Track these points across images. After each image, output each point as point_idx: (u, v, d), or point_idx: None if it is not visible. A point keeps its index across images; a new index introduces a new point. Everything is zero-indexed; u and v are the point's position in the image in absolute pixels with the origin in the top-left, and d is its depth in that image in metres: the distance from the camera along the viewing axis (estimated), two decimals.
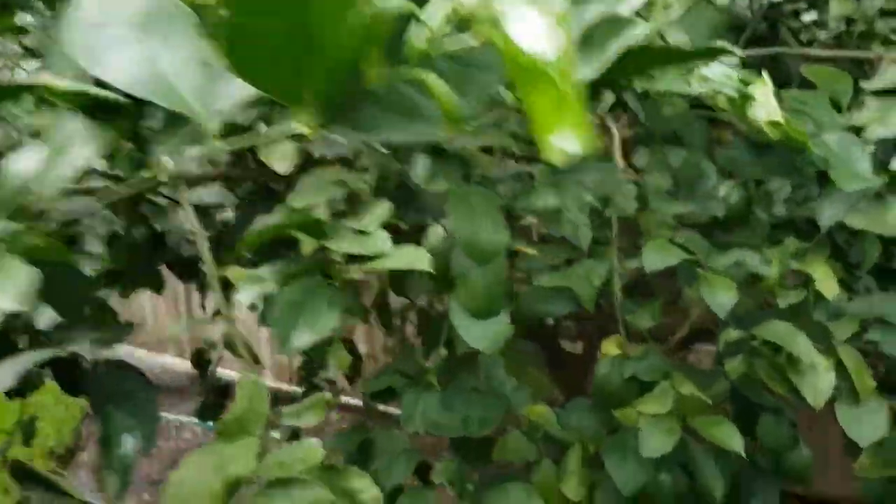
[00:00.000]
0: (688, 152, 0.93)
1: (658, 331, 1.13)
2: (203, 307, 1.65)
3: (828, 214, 0.87)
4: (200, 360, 1.69)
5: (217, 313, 1.40)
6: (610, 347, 0.89)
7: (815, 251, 0.90)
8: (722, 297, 0.82)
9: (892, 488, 1.16)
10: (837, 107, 0.99)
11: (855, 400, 0.83)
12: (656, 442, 0.85)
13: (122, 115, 0.46)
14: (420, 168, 0.63)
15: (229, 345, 1.38)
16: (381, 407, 1.23)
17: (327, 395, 1.49)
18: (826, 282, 0.85)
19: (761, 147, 1.00)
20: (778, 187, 0.96)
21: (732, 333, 0.88)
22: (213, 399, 1.69)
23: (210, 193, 0.94)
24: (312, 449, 0.77)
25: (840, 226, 0.94)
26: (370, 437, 1.02)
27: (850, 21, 1.24)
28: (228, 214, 0.99)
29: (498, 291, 0.61)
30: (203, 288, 1.44)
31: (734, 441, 0.84)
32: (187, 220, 0.77)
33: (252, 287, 0.55)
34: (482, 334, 0.61)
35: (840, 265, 0.99)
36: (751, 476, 1.14)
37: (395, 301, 1.39)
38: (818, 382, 0.82)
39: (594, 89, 0.77)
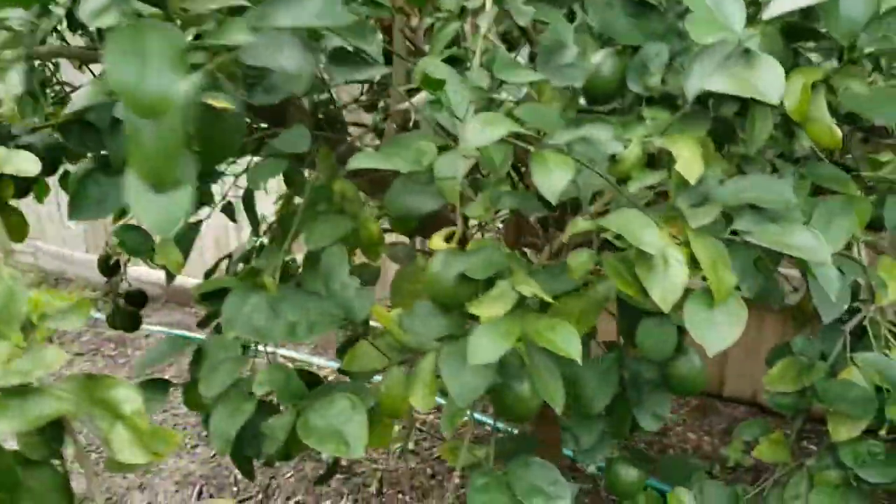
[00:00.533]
0: (539, 9, 0.77)
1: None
2: None
3: (693, 80, 0.72)
4: (106, 265, 1.61)
5: (120, 216, 1.29)
6: (437, 242, 0.77)
7: (686, 126, 0.76)
8: (555, 179, 0.69)
9: (800, 401, 1.05)
10: None
11: (709, 300, 0.70)
12: (485, 348, 0.74)
13: None
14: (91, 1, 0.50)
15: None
16: None
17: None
18: (689, 162, 0.71)
19: (643, 6, 0.84)
20: (655, 54, 0.80)
21: (580, 224, 0.75)
22: (125, 306, 1.61)
23: None
24: (57, 354, 0.67)
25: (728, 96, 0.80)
26: (201, 344, 0.92)
27: None
28: None
29: (176, 154, 0.48)
30: None
31: (571, 347, 0.72)
32: None
33: None
34: (158, 211, 0.49)
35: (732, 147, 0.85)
36: (636, 386, 1.04)
37: None
38: (667, 279, 0.70)
39: None
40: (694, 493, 1.04)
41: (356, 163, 0.74)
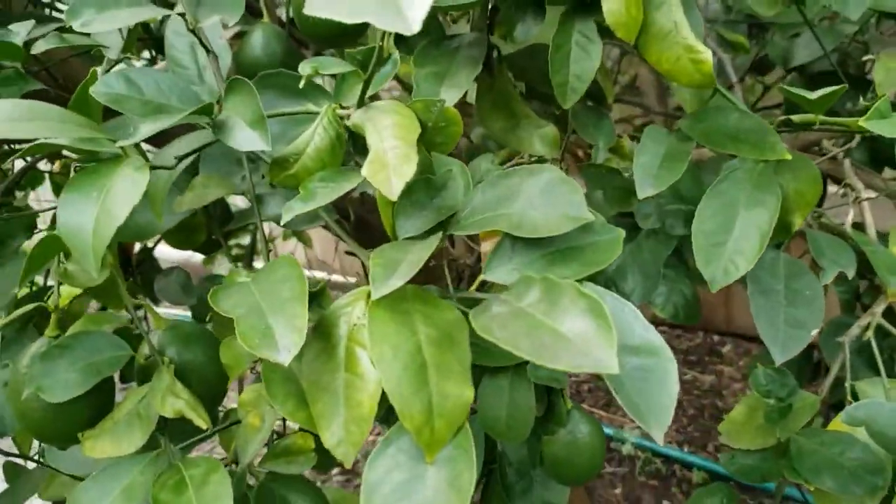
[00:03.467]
0: None
1: None
2: None
3: None
4: None
5: None
6: None
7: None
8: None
9: (773, 466, 0.68)
10: None
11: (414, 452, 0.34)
12: None
13: None
14: None
15: None
16: None
17: None
18: (396, 160, 0.35)
19: None
20: None
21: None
22: None
23: None
24: None
25: None
26: None
27: None
28: None
29: None
30: None
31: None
32: None
33: None
34: None
35: None
36: (516, 465, 0.70)
37: None
38: (350, 405, 0.35)
39: None
40: None
41: None
